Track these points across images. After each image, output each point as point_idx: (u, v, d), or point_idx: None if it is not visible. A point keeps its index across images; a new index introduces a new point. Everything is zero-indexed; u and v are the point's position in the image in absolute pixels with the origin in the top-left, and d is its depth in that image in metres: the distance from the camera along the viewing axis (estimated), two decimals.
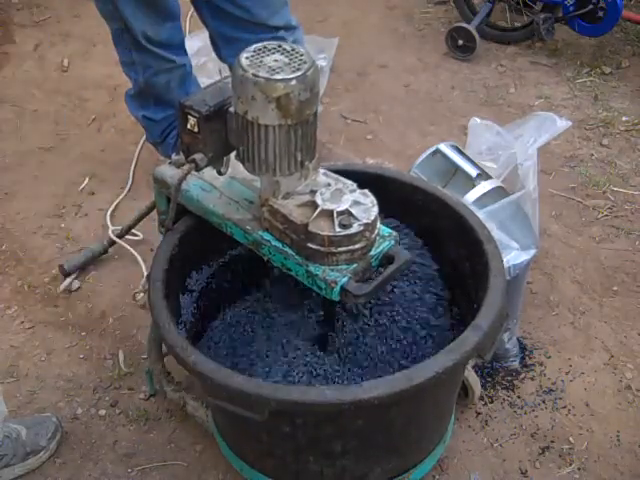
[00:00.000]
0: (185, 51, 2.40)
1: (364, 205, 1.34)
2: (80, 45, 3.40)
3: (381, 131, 2.88)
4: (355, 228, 1.30)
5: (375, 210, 1.34)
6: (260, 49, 1.25)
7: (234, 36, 2.23)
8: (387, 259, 1.37)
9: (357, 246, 1.32)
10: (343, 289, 1.31)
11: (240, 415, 1.31)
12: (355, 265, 1.33)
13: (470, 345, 1.33)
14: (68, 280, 2.21)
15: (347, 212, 1.31)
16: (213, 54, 2.48)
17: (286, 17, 2.27)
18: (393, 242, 1.39)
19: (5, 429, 1.71)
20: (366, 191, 1.37)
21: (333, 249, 1.31)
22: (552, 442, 1.81)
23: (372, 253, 1.36)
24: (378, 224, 1.36)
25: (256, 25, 2.20)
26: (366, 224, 1.31)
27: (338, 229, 1.30)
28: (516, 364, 1.96)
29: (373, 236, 1.34)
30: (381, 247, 1.37)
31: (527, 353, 2.01)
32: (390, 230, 1.41)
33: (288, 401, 1.26)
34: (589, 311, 2.14)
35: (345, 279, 1.31)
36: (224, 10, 2.21)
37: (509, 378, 1.94)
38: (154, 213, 1.72)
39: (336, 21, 3.59)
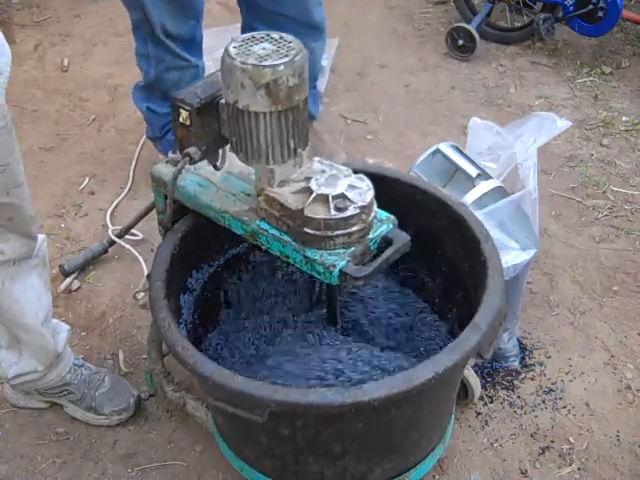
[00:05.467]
0: (201, 53, 2.38)
1: (359, 189, 1.34)
2: (80, 45, 3.40)
3: (381, 131, 2.88)
4: (351, 211, 1.30)
5: (371, 193, 1.33)
6: (248, 39, 1.26)
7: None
8: (385, 242, 1.37)
9: (354, 229, 1.32)
10: (342, 272, 1.30)
11: (240, 416, 1.31)
12: (353, 248, 1.33)
13: (469, 345, 1.33)
14: (68, 280, 2.21)
15: (342, 196, 1.31)
16: (214, 54, 2.47)
17: (319, 17, 2.30)
18: (391, 225, 1.39)
19: (87, 372, 1.84)
20: (362, 175, 1.37)
21: (330, 233, 1.31)
22: (552, 442, 1.81)
23: (370, 236, 1.36)
24: (375, 207, 1.36)
25: (288, 20, 2.23)
26: (362, 207, 1.31)
27: (334, 212, 1.30)
28: (516, 364, 1.96)
29: (370, 219, 1.34)
30: (379, 230, 1.37)
31: (527, 353, 2.01)
32: (387, 214, 1.41)
33: (288, 403, 1.26)
34: (589, 311, 2.14)
35: (343, 262, 1.31)
36: (260, 6, 2.24)
37: (509, 378, 1.94)
38: (154, 213, 1.72)
39: (336, 21, 3.58)
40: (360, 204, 1.31)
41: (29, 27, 3.53)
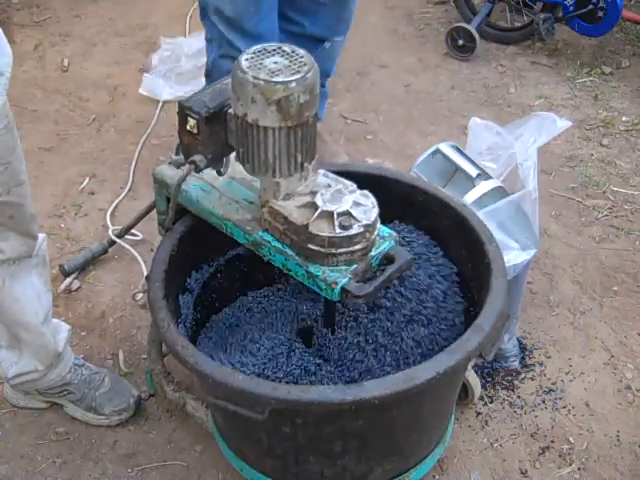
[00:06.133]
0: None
1: (364, 206, 1.34)
2: (80, 45, 3.40)
3: (381, 131, 2.88)
4: (355, 229, 1.31)
5: (375, 211, 1.34)
6: (260, 51, 1.25)
7: (292, 17, 2.29)
8: (387, 259, 1.37)
9: (357, 247, 1.32)
10: (344, 290, 1.31)
11: (240, 414, 1.32)
12: (355, 266, 1.33)
13: (472, 346, 1.33)
14: (68, 280, 2.21)
15: (347, 213, 1.32)
16: None
17: (351, 10, 2.38)
18: (393, 242, 1.39)
19: (87, 372, 1.84)
20: (366, 192, 1.37)
21: (333, 250, 1.31)
22: (552, 442, 1.81)
23: (372, 253, 1.36)
24: (378, 225, 1.36)
25: (322, 7, 2.27)
26: (366, 225, 1.31)
27: (338, 230, 1.30)
28: (516, 364, 1.96)
29: (373, 237, 1.34)
30: (381, 247, 1.37)
31: (527, 353, 2.01)
32: (390, 230, 1.41)
33: (288, 400, 1.26)
34: (589, 311, 2.14)
35: (345, 280, 1.31)
36: None
37: (509, 378, 1.94)
38: (154, 213, 1.72)
39: None
40: (365, 222, 1.31)
41: (29, 27, 3.53)
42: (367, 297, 1.30)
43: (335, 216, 1.31)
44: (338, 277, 1.32)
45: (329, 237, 1.30)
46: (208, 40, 2.31)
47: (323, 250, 1.31)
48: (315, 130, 1.31)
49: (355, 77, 3.20)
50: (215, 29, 2.21)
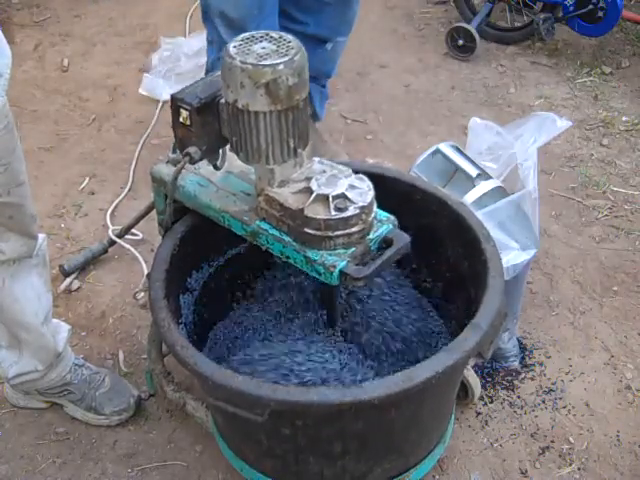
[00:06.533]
0: None
1: (360, 189, 1.34)
2: (80, 45, 3.40)
3: (381, 131, 2.88)
4: (351, 211, 1.31)
5: (371, 193, 1.34)
6: (248, 38, 1.26)
7: (296, 17, 2.30)
8: (386, 242, 1.37)
9: (354, 229, 1.32)
10: (342, 273, 1.31)
11: (240, 416, 1.32)
12: (353, 249, 1.33)
13: (470, 345, 1.33)
14: (68, 280, 2.21)
15: (343, 196, 1.32)
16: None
17: (355, 11, 2.40)
18: (391, 225, 1.39)
19: (87, 372, 1.84)
20: (362, 176, 1.37)
21: (330, 233, 1.31)
22: (552, 442, 1.81)
23: (370, 237, 1.36)
24: (375, 207, 1.36)
25: (326, 6, 2.27)
26: (362, 207, 1.31)
27: (334, 213, 1.30)
28: (516, 364, 1.96)
29: (370, 219, 1.34)
30: (379, 230, 1.37)
31: (527, 353, 2.01)
32: (388, 214, 1.41)
33: (288, 402, 1.26)
34: (589, 311, 2.14)
35: (344, 263, 1.31)
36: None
37: (509, 378, 1.94)
38: (154, 213, 1.72)
39: None
40: (360, 204, 1.31)
41: (29, 27, 3.53)
42: (366, 279, 1.30)
43: (330, 199, 1.31)
44: (336, 260, 1.32)
45: (325, 220, 1.30)
46: (209, 42, 2.32)
47: (320, 233, 1.31)
48: (307, 115, 1.31)
49: (355, 77, 3.20)
50: (216, 32, 2.22)
